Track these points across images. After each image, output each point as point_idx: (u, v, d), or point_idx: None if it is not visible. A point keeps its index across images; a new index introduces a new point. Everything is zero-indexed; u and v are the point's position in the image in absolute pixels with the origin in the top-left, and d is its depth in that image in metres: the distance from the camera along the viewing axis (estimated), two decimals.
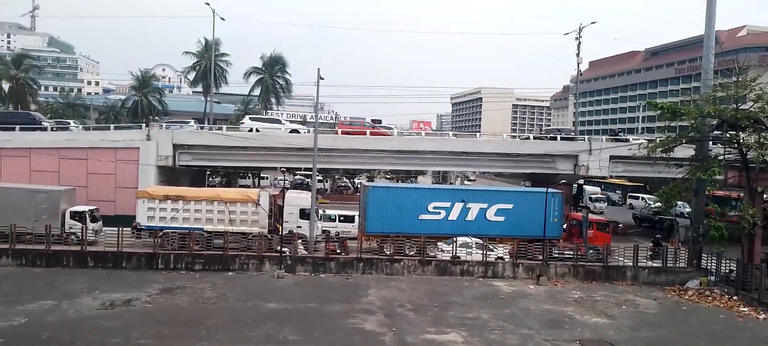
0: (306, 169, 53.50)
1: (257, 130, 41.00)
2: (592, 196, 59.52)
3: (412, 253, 30.49)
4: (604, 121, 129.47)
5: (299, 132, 42.83)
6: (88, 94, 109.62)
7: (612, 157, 42.29)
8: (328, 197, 59.02)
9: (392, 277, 28.68)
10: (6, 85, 69.43)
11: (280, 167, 38.05)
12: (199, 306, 22.55)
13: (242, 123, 43.70)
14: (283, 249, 29.29)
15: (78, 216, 30.72)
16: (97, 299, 22.56)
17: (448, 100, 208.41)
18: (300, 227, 31.74)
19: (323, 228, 33.93)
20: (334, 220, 36.86)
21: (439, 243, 30.86)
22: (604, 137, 47.19)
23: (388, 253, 30.16)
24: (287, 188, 33.88)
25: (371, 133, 42.43)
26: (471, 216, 32.19)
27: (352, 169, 60.01)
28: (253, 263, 28.77)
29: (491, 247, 30.83)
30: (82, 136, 39.35)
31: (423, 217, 31.87)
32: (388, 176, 76.99)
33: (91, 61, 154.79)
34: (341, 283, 27.36)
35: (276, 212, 32.45)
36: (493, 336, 20.11)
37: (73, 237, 29.71)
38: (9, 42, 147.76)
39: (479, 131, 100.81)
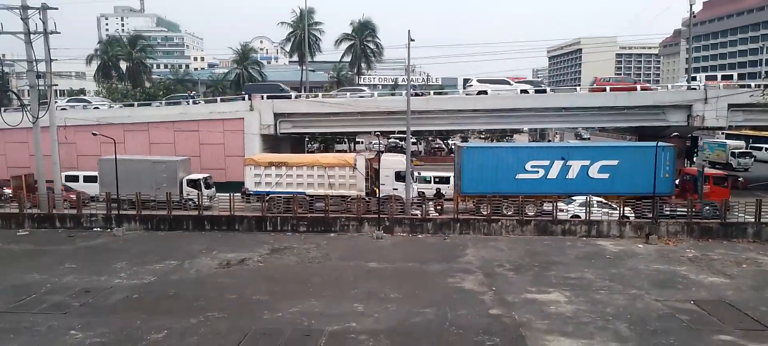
0: (399, 132, 53.90)
1: (486, 93, 41.12)
2: (736, 151, 54.07)
3: (509, 213, 30.04)
4: (722, 66, 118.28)
5: (528, 92, 42.01)
6: (195, 69, 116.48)
7: (730, 106, 38.70)
8: (422, 159, 59.06)
9: (490, 237, 28.51)
10: (123, 65, 75.38)
11: (375, 131, 38.50)
12: (306, 265, 23.80)
13: (470, 85, 43.17)
14: (415, 212, 29.58)
15: (193, 183, 33.16)
16: (215, 259, 24.48)
17: (544, 54, 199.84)
18: (396, 189, 32.24)
19: (419, 190, 34.24)
20: (430, 181, 37.00)
21: (557, 203, 29.72)
22: (720, 84, 43.07)
23: (485, 213, 29.92)
24: (382, 151, 34.35)
25: (642, 88, 42.15)
26: (572, 174, 31.05)
27: (445, 130, 59.48)
28: (352, 225, 29.75)
29: (613, 205, 29.56)
30: (193, 110, 42.21)
31: (520, 176, 31.19)
32: (482, 136, 75.54)
33: (195, 37, 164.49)
34: (439, 243, 27.63)
35: (372, 175, 33.17)
36: (599, 296, 19.49)
37: (190, 203, 32.33)
38: (123, 24, 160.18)
39: (579, 85, 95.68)
